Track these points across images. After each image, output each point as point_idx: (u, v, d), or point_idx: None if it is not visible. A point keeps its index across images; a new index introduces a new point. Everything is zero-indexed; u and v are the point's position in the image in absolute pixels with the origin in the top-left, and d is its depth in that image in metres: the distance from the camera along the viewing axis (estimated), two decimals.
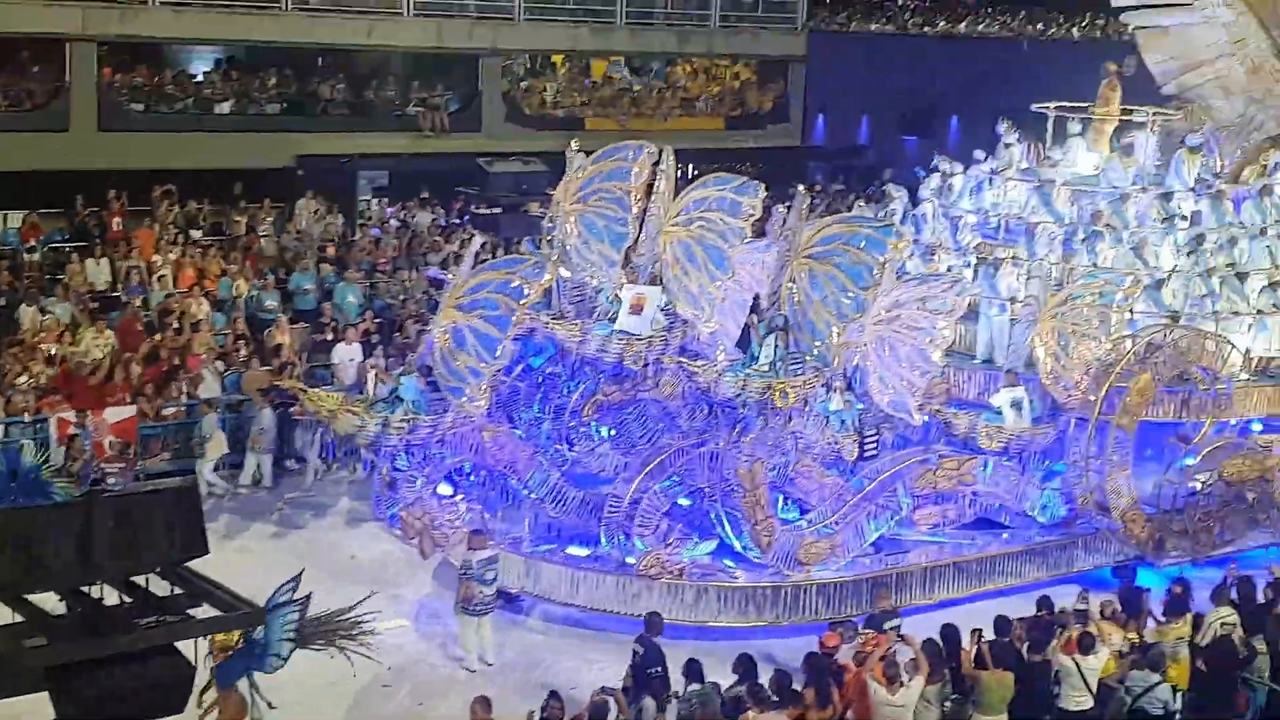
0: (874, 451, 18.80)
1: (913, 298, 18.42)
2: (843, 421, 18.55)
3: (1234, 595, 16.85)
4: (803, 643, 17.16)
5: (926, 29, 46.75)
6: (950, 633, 15.38)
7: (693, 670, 14.34)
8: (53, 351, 22.81)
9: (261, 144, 34.05)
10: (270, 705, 12.50)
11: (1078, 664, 15.04)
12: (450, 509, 17.97)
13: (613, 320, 18.40)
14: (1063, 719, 15.12)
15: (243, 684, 12.54)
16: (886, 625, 15.75)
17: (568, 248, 19.00)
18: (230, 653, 12.46)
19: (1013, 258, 20.58)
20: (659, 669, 14.84)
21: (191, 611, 8.11)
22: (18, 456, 14.03)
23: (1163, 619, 16.58)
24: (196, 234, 29.74)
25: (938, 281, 18.94)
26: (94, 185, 29.93)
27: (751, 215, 18.28)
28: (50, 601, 7.88)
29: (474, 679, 16.64)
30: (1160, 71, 25.20)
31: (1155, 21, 24.80)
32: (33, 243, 28.30)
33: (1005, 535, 19.81)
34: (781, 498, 18.57)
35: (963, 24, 47.78)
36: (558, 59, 40.45)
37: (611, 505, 17.88)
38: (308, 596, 12.20)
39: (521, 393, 19.28)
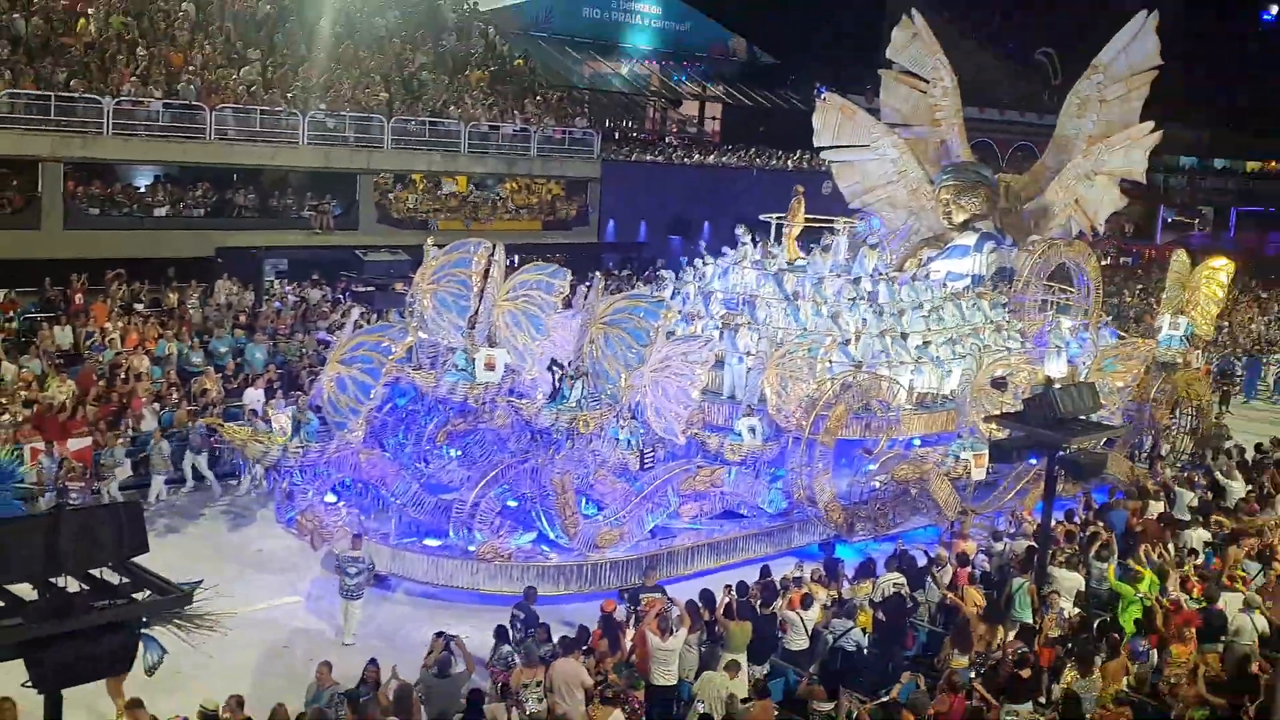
0: (651, 464, 18.66)
1: (678, 352, 18.41)
2: (629, 443, 18.36)
3: (901, 564, 16.95)
4: (592, 608, 17.08)
5: (686, 160, 47.26)
6: (706, 595, 15.22)
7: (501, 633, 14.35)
8: (26, 397, 21.70)
9: (190, 239, 32.93)
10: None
11: (800, 616, 15.11)
12: (334, 512, 17.48)
13: (467, 373, 18.07)
14: (786, 656, 15.08)
15: None
16: (642, 597, 15.43)
17: (425, 317, 18.79)
18: None
19: (747, 323, 20.66)
20: (534, 627, 14.57)
21: (136, 596, 7.83)
22: None
23: (852, 581, 16.61)
24: (139, 307, 28.38)
25: (695, 341, 18.93)
26: (60, 270, 28.46)
27: (561, 293, 18.32)
28: (25, 590, 7.53)
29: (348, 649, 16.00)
30: (849, 192, 25.69)
31: (844, 157, 25.26)
32: (11, 314, 26.73)
33: (744, 522, 19.73)
34: (584, 499, 18.29)
35: (710, 156, 48.50)
36: (416, 176, 39.90)
37: (458, 508, 17.51)
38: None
39: (390, 424, 18.84)
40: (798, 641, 15.08)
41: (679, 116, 53.84)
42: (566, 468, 17.49)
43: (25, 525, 7.83)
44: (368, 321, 23.14)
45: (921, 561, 17.41)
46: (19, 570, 7.32)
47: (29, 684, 7.36)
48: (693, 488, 18.88)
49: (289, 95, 35.63)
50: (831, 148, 25.76)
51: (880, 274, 22.30)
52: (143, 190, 34.07)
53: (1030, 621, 14.98)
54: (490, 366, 17.73)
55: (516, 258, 37.97)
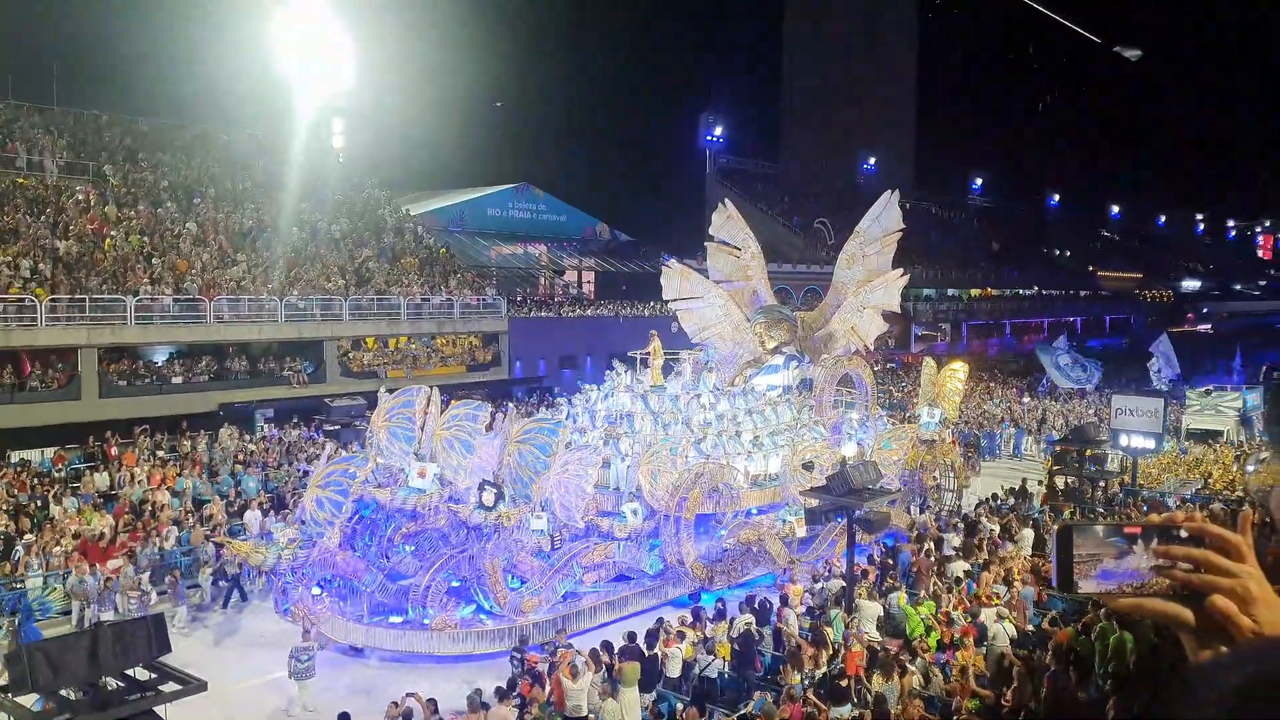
0: (560, 545, 18.34)
1: (574, 459, 18.23)
2: (542, 531, 18.05)
3: (751, 607, 17.03)
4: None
5: (570, 313, 47.68)
6: (605, 644, 15.08)
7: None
8: (74, 530, 20.84)
9: (198, 399, 32.05)
10: None
11: (674, 653, 15.01)
12: (319, 602, 16.92)
13: (410, 485, 17.74)
14: (667, 684, 14.85)
15: None
16: (558, 646, 15.35)
17: (380, 447, 18.31)
18: None
19: (625, 433, 20.64)
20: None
21: (162, 688, 7.54)
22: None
23: (713, 622, 16.53)
24: (160, 453, 27.53)
25: (586, 449, 18.81)
26: (98, 429, 27.66)
27: (484, 421, 18.03)
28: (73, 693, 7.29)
29: (335, 702, 15.26)
30: (690, 331, 26.01)
31: (685, 306, 25.66)
32: (60, 466, 25.94)
33: (632, 583, 19.45)
34: (511, 576, 17.89)
35: (588, 310, 48.88)
36: (368, 339, 39.47)
37: (414, 591, 17.04)
38: None
39: (359, 531, 18.23)
40: (674, 671, 14.91)
41: (563, 282, 54.37)
42: (495, 553, 17.15)
43: (71, 641, 7.54)
44: (336, 454, 22.56)
45: (768, 600, 17.43)
46: (69, 676, 7.10)
47: None
48: (591, 560, 18.62)
49: (269, 286, 35.16)
50: (675, 300, 26.17)
51: (718, 389, 22.54)
52: (160, 364, 33.10)
53: (841, 642, 14.89)
54: (422, 475, 17.38)
55: (449, 396, 37.84)
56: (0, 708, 7.12)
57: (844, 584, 17.30)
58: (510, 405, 20.81)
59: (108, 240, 33.03)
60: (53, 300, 28.95)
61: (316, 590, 17.13)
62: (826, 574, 19.37)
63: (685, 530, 19.11)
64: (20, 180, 33.88)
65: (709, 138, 65.68)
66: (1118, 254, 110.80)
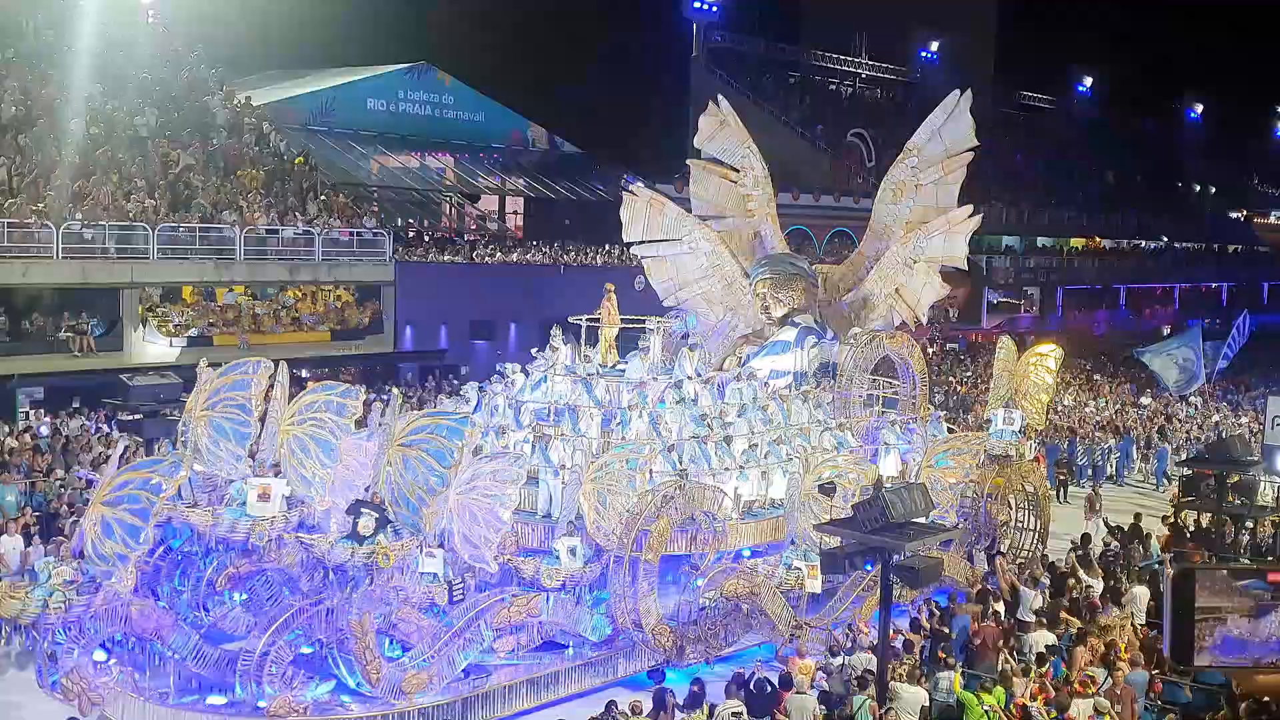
0: (461, 596, 18.32)
1: (485, 471, 18.17)
2: (435, 576, 18.05)
3: (740, 688, 17.01)
4: None
5: (488, 258, 47.44)
6: None
7: None
8: None
9: None
10: None
11: None
12: (105, 672, 16.73)
13: (243, 505, 17.65)
14: None
15: None
16: None
17: (200, 447, 18.20)
18: None
19: (562, 434, 20.65)
20: None
21: None
22: None
23: (683, 710, 16.53)
24: None
25: (504, 458, 18.77)
26: None
27: (354, 414, 17.99)
28: None
29: None
30: (662, 289, 25.97)
31: (655, 252, 25.55)
32: None
33: (566, 653, 19.43)
34: (388, 640, 17.91)
35: (514, 254, 48.77)
36: (187, 289, 39.15)
37: (244, 659, 16.82)
38: None
39: (164, 570, 18.15)
40: None
41: (477, 212, 54.07)
42: (365, 607, 17.06)
43: None
44: (135, 456, 22.41)
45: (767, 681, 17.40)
46: None
47: None
48: (508, 619, 18.55)
49: (40, 205, 34.69)
50: (642, 243, 26.09)
51: (701, 376, 22.57)
52: None
53: None
54: (265, 497, 17.29)
55: (304, 373, 37.84)
56: None
57: (874, 659, 17.32)
58: (395, 393, 20.61)
59: None
60: None
61: (101, 655, 17.03)
62: (850, 645, 19.43)
63: (646, 578, 19.13)
64: None
65: (697, 4, 65.09)
66: None
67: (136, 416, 31.65)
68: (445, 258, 46.16)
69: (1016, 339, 28.09)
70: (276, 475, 17.83)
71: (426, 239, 47.69)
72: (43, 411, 32.45)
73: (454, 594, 18.25)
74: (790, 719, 15.84)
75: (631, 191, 26.28)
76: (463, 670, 18.14)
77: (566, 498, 19.82)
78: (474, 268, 46.11)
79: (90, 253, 35.15)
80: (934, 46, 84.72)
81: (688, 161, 27.63)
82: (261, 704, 16.66)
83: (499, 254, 48.23)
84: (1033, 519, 24.80)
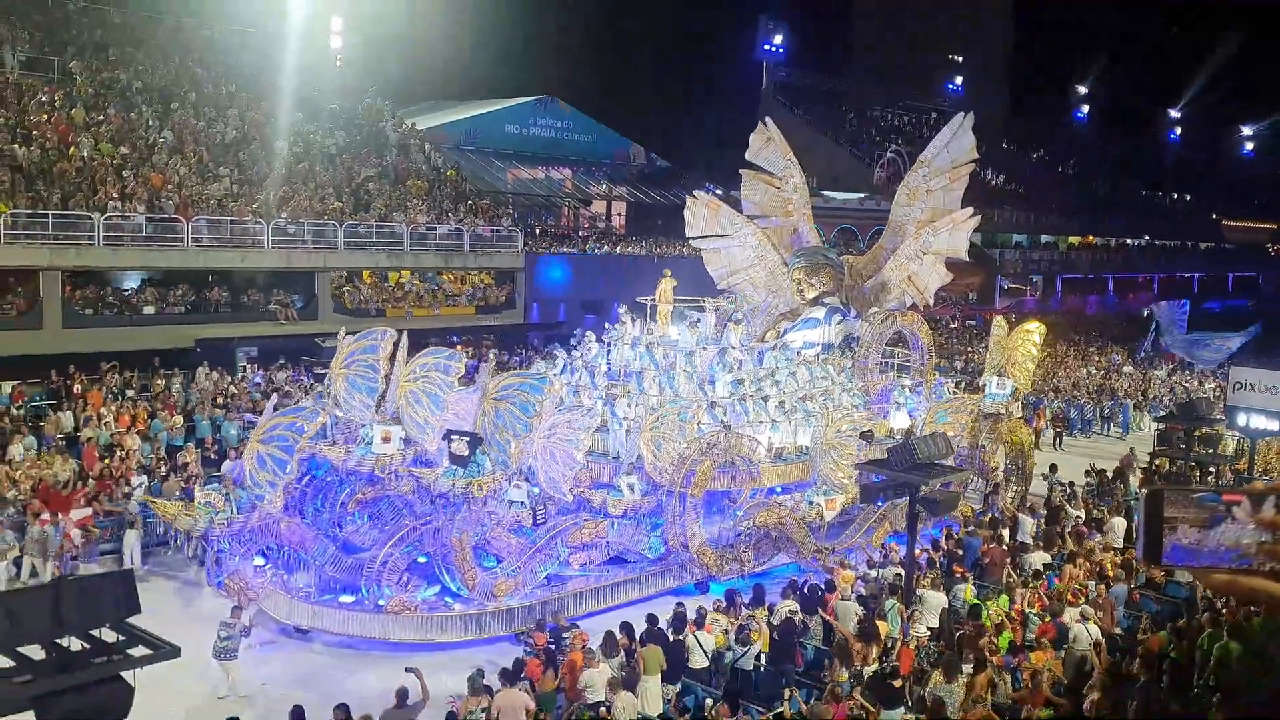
0: (543, 520, 17.60)
1: (563, 421, 17.49)
2: (521, 503, 17.33)
3: (796, 592, 16.58)
4: (494, 650, 16.04)
5: (596, 250, 46.56)
6: (626, 626, 14.74)
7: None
8: (35, 475, 20.75)
9: (172, 333, 31.58)
10: None
11: (699, 639, 14.65)
12: (261, 573, 16.46)
13: (370, 444, 17.07)
14: (691, 675, 14.42)
15: None
16: (565, 635, 15.04)
17: (339, 398, 17.63)
18: None
19: (627, 392, 19.76)
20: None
21: (130, 651, 7.58)
22: None
23: (749, 607, 16.14)
24: (130, 393, 27.26)
25: (578, 411, 18.04)
26: (61, 363, 27.31)
27: (458, 373, 17.24)
28: (35, 651, 7.34)
29: (272, 689, 14.82)
30: (717, 275, 24.86)
31: (711, 245, 24.46)
32: (19, 403, 25.62)
33: (629, 567, 18.70)
34: (485, 554, 17.26)
35: (617, 246, 47.84)
36: (365, 273, 38.89)
37: (368, 566, 16.36)
38: None
39: (309, 495, 17.65)
40: (699, 662, 14.48)
41: (589, 214, 53.27)
42: (464, 527, 16.44)
43: (33, 594, 7.65)
44: (292, 403, 21.99)
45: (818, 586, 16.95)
46: (29, 634, 7.17)
47: None
48: (579, 539, 17.86)
49: (254, 206, 34.58)
50: (700, 237, 25.02)
51: (744, 345, 21.52)
52: (130, 292, 32.74)
53: (897, 636, 14.62)
54: (386, 440, 16.70)
55: (457, 340, 37.47)
56: None
57: (900, 572, 16.94)
58: (490, 357, 19.93)
59: (73, 149, 32.55)
60: (12, 215, 28.48)
61: (260, 561, 16.65)
62: (883, 560, 18.77)
63: (692, 509, 18.26)
64: None
65: (767, 47, 63.30)
66: (1249, 198, 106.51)
67: (327, 370, 31.45)
68: (564, 249, 45.39)
69: (1024, 316, 26.66)
70: (396, 422, 17.16)
71: (549, 235, 46.98)
72: (256, 366, 32.42)
73: (537, 518, 17.57)
74: (836, 616, 15.30)
75: (693, 196, 25.18)
76: (544, 578, 17.52)
77: (629, 443, 18.97)
78: (586, 257, 45.31)
79: (292, 244, 34.86)
80: (958, 80, 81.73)
81: (740, 171, 26.38)
82: (381, 602, 16.30)
83: (606, 247, 47.37)
84: (1018, 465, 23.35)
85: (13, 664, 7.30)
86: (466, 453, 16.23)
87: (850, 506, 20.19)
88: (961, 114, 24.86)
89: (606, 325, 22.32)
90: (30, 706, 7.02)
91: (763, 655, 14.63)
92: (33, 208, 29.36)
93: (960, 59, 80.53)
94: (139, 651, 7.64)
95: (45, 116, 33.08)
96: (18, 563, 18.33)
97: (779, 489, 19.93)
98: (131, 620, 7.71)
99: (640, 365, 20.55)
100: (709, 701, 13.17)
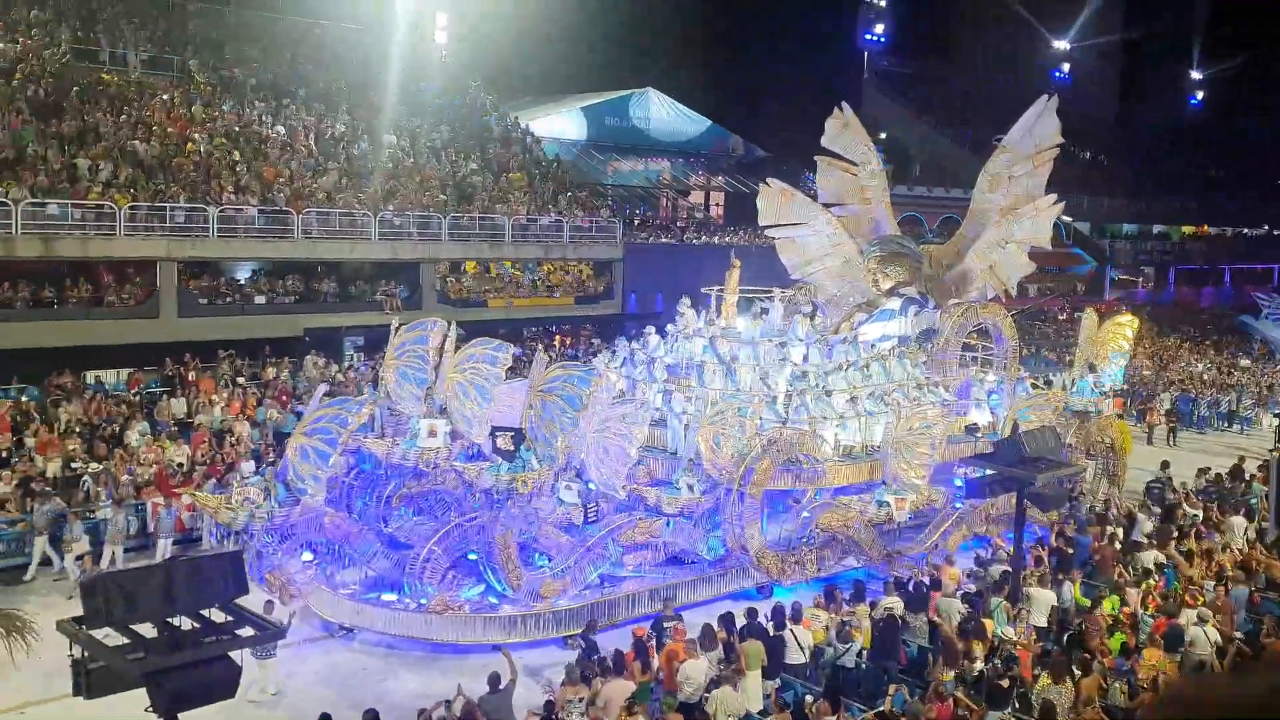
0: (595, 518, 16.15)
1: (617, 415, 15.98)
2: (573, 502, 15.91)
3: (898, 589, 15.36)
4: (540, 653, 14.66)
5: (695, 240, 44.74)
6: (726, 618, 14.01)
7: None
8: (152, 459, 20.64)
9: (282, 322, 31.14)
10: None
11: (797, 635, 13.77)
12: (308, 568, 15.38)
13: (416, 438, 15.86)
14: (789, 670, 13.52)
15: None
16: (666, 624, 14.09)
17: (389, 390, 16.45)
18: None
19: (686, 386, 18.07)
20: (595, 654, 13.32)
21: (238, 631, 7.52)
22: None
23: (849, 603, 14.97)
24: (241, 380, 27.04)
25: (632, 404, 16.53)
26: (175, 351, 27.24)
27: (505, 365, 15.90)
28: (147, 629, 7.31)
29: (307, 690, 13.75)
30: (790, 265, 22.87)
31: (785, 234, 22.48)
32: (136, 389, 25.70)
33: (686, 569, 17.01)
34: (535, 553, 15.89)
35: (715, 236, 45.92)
36: (469, 263, 38.04)
37: (410, 564, 15.12)
38: None
39: (356, 488, 16.53)
40: (797, 657, 13.65)
41: (688, 204, 51.52)
42: (508, 524, 15.07)
43: (146, 573, 7.53)
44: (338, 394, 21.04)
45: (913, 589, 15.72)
46: (142, 612, 7.18)
47: (150, 709, 7.02)
48: (632, 539, 16.32)
49: (361, 198, 33.96)
50: (773, 226, 23.05)
51: (812, 338, 19.61)
52: (243, 282, 32.42)
53: (1004, 635, 13.30)
54: (432, 434, 15.45)
55: (556, 330, 36.09)
56: (75, 640, 7.03)
57: (1006, 569, 15.52)
58: (540, 350, 18.55)
59: (190, 144, 32.43)
60: (132, 208, 28.32)
61: (308, 556, 15.59)
62: (990, 557, 17.12)
63: (750, 510, 16.53)
64: (105, 76, 33.60)
65: (868, 36, 60.42)
66: None
67: None
68: (663, 240, 43.77)
69: (1135, 309, 24.14)
70: (442, 415, 15.89)
71: (648, 225, 45.38)
72: (362, 355, 31.82)
73: (589, 515, 16.11)
74: (940, 614, 14.29)
75: (767, 184, 23.24)
76: (596, 579, 16.03)
77: (688, 439, 17.29)
78: (684, 247, 43.55)
79: (398, 235, 34.07)
80: (1065, 67, 76.82)
81: (815, 158, 24.31)
82: (423, 601, 15.01)
83: (704, 237, 45.51)
84: (1110, 465, 20.88)
85: (127, 641, 7.29)
86: (511, 448, 14.88)
87: (926, 508, 18.20)
88: (1045, 96, 22.51)
89: (645, 328, 20.73)
90: (143, 683, 7.00)
91: (864, 652, 13.76)
92: (152, 201, 29.17)
93: (1068, 45, 75.56)
94: (246, 631, 7.61)
95: (165, 113, 33.05)
96: (97, 556, 17.74)
97: (845, 489, 18.02)
98: (239, 601, 7.67)
99: (702, 358, 18.83)
100: (809, 698, 12.16)
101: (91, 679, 7.15)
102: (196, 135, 32.88)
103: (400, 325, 17.26)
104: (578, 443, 15.66)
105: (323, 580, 15.43)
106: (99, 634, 7.21)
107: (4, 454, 20.51)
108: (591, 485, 16.29)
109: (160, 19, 38.22)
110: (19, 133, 28.59)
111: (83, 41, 34.61)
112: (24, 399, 23.41)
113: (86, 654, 7.14)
